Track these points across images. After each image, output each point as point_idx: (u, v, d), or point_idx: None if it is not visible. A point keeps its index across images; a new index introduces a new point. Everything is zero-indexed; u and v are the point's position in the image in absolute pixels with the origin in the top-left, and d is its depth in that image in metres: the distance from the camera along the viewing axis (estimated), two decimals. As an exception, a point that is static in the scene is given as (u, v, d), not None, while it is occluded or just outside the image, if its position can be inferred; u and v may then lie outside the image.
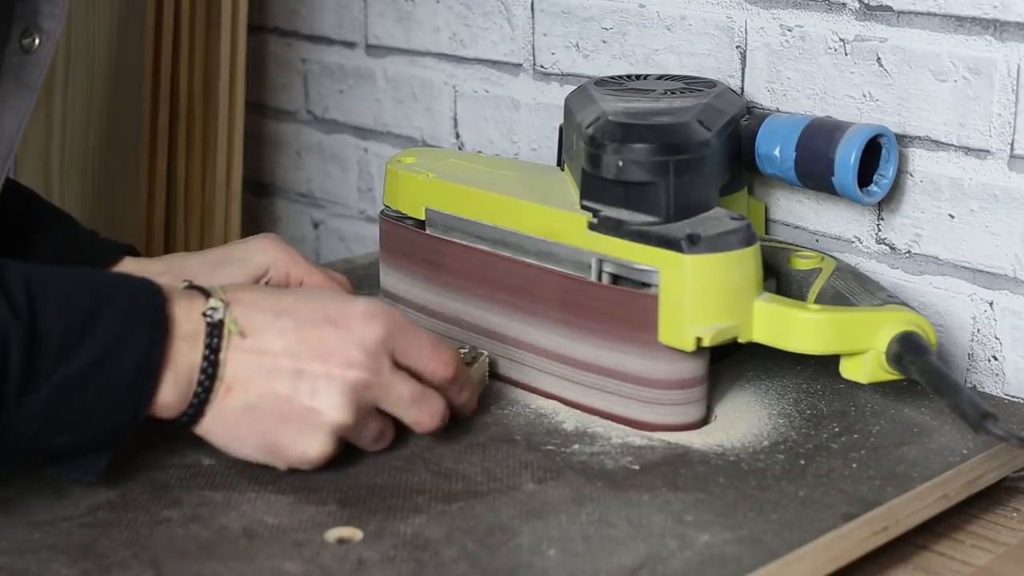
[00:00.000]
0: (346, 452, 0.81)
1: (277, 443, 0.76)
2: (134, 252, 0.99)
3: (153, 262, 0.97)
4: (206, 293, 0.77)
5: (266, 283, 0.95)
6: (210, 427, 0.76)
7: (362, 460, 0.81)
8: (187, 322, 0.75)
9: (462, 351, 0.89)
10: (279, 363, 0.76)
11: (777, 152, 0.94)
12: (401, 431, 0.84)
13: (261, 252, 0.95)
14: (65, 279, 0.73)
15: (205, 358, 0.75)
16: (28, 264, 0.73)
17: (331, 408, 0.76)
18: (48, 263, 0.75)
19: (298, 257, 0.96)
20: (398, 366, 0.79)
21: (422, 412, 0.80)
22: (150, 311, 0.74)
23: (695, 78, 1.02)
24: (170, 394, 0.74)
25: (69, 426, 0.72)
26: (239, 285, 0.79)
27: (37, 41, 0.91)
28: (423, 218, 0.97)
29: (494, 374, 0.93)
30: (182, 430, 0.77)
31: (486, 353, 0.91)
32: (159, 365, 0.73)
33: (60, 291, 0.72)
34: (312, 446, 0.76)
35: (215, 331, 0.75)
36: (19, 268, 0.72)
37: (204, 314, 0.75)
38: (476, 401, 0.86)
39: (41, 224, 0.99)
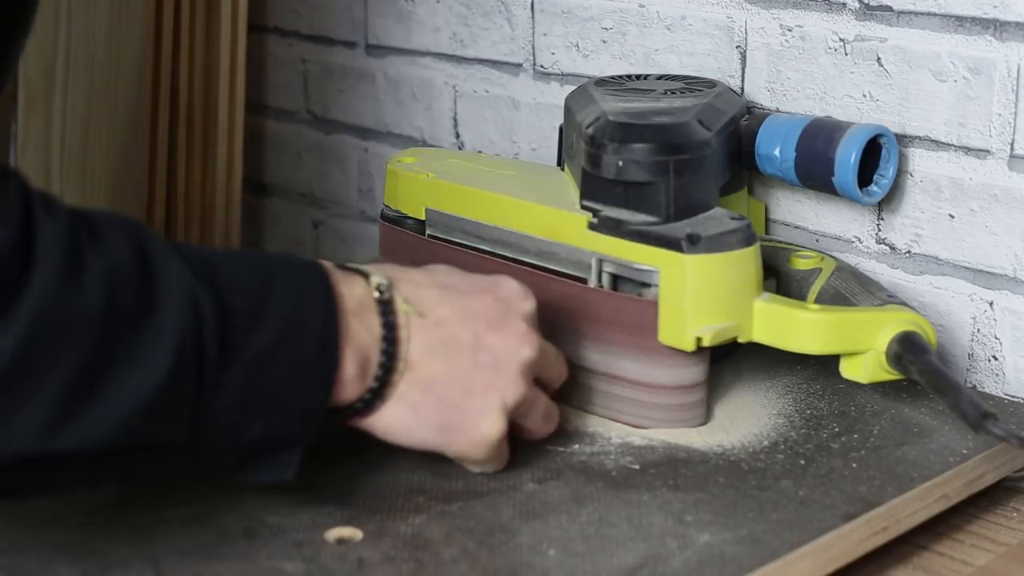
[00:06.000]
0: (346, 452, 0.81)
1: (457, 422, 0.75)
2: None
3: None
4: (359, 271, 0.75)
5: None
6: (390, 411, 0.74)
7: (362, 460, 0.81)
8: (353, 298, 0.73)
9: None
10: (457, 336, 0.75)
11: (777, 152, 0.94)
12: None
13: None
14: (231, 255, 0.72)
15: (384, 338, 0.73)
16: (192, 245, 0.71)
17: (508, 381, 0.76)
18: None
19: None
20: None
21: (561, 368, 0.82)
22: (319, 285, 0.72)
23: (695, 78, 1.02)
24: (351, 368, 0.72)
25: (262, 411, 0.69)
26: (380, 264, 0.78)
27: None
28: (423, 218, 0.97)
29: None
30: (349, 420, 0.75)
31: None
32: (337, 338, 0.71)
33: (232, 267, 0.70)
34: (491, 424, 0.76)
35: (387, 308, 0.74)
36: (194, 247, 0.70)
37: (377, 289, 0.74)
38: None
39: None
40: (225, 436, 0.69)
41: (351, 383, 0.72)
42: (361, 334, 0.73)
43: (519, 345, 0.77)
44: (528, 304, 0.79)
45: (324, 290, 0.72)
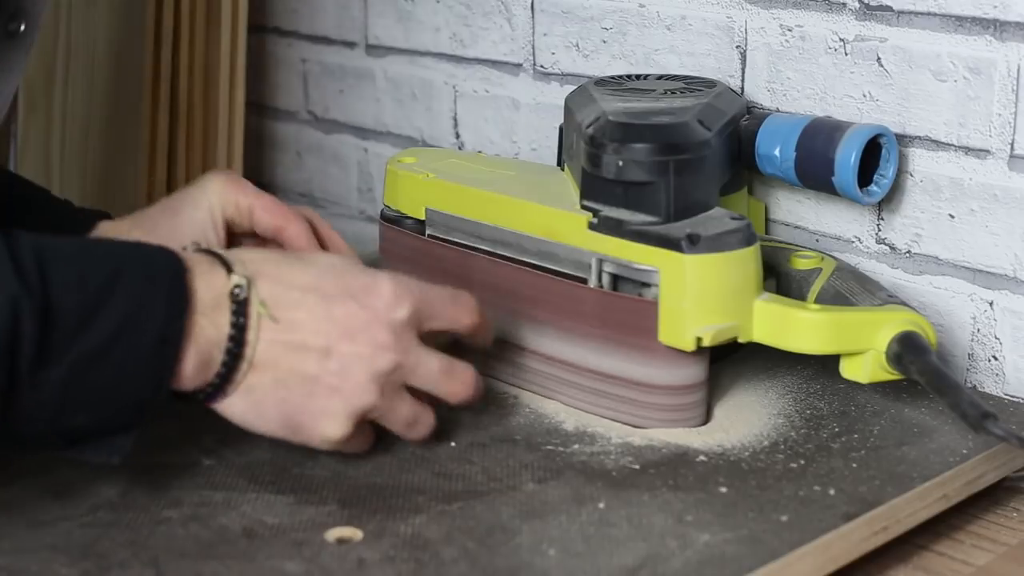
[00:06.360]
0: (345, 452, 0.81)
1: (299, 421, 0.76)
2: (108, 218, 0.97)
3: (122, 221, 0.95)
4: (225, 263, 0.75)
5: (225, 220, 0.93)
6: (233, 402, 0.75)
7: (362, 460, 0.81)
8: (208, 295, 0.73)
9: None
10: (307, 342, 0.75)
11: (777, 152, 0.94)
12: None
13: (213, 192, 0.93)
14: (79, 251, 0.72)
15: (231, 338, 0.74)
16: (41, 236, 0.71)
17: (356, 389, 0.76)
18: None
19: (247, 187, 0.94)
20: (423, 334, 0.79)
21: (454, 382, 0.80)
22: (169, 282, 0.72)
23: (695, 78, 1.02)
24: (191, 368, 0.73)
25: (87, 405, 0.70)
26: (255, 254, 0.77)
27: (23, 26, 0.90)
28: (423, 218, 0.97)
29: (495, 377, 0.93)
30: (198, 404, 0.76)
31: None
32: (180, 338, 0.72)
33: (74, 264, 0.70)
34: (332, 427, 0.76)
35: (240, 309, 0.74)
36: (31, 240, 0.70)
37: (231, 293, 0.74)
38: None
39: (16, 200, 0.98)
40: (45, 425, 0.70)
41: (190, 378, 0.73)
42: (208, 332, 0.73)
43: (372, 355, 0.76)
44: (399, 312, 0.77)
45: (174, 288, 0.72)
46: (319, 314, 0.76)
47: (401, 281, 0.78)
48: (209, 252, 0.76)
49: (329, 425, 0.76)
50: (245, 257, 0.76)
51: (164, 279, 0.72)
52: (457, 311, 0.81)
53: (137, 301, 0.71)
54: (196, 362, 0.73)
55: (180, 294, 0.72)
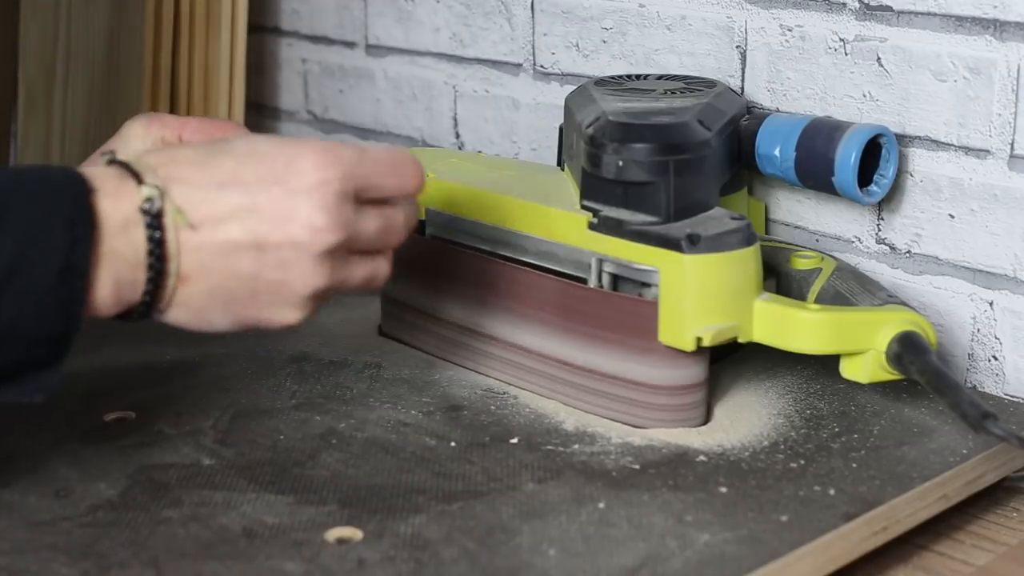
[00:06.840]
0: (347, 452, 0.81)
1: (253, 317, 0.73)
2: None
3: None
4: (135, 174, 0.70)
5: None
6: (174, 315, 0.72)
7: (362, 460, 0.81)
8: (117, 214, 0.68)
9: None
10: (236, 240, 0.70)
11: (777, 152, 0.94)
12: (402, 427, 0.84)
13: (134, 139, 0.87)
14: None
15: (150, 253, 0.69)
16: None
17: (302, 276, 0.72)
18: None
19: (168, 120, 0.88)
20: (361, 200, 0.74)
21: (391, 234, 0.76)
22: (70, 205, 0.67)
23: (695, 78, 1.02)
24: (107, 294, 0.69)
25: None
26: (169, 154, 0.72)
27: None
28: (423, 218, 0.97)
29: (496, 377, 0.93)
30: (139, 321, 0.72)
31: None
32: (85, 266, 0.67)
33: None
34: (289, 315, 0.73)
35: (155, 222, 0.69)
36: None
37: (141, 209, 0.69)
38: None
39: None
40: None
41: (109, 304, 0.69)
42: (123, 253, 0.69)
43: (311, 240, 0.71)
44: (329, 188, 0.71)
45: (74, 212, 0.67)
46: (243, 208, 0.71)
47: (328, 150, 0.72)
48: (119, 164, 0.71)
49: (285, 315, 0.73)
50: (156, 162, 0.71)
51: (62, 205, 0.67)
52: (401, 177, 0.76)
53: (27, 235, 0.66)
54: (113, 287, 0.69)
55: (82, 219, 0.67)
